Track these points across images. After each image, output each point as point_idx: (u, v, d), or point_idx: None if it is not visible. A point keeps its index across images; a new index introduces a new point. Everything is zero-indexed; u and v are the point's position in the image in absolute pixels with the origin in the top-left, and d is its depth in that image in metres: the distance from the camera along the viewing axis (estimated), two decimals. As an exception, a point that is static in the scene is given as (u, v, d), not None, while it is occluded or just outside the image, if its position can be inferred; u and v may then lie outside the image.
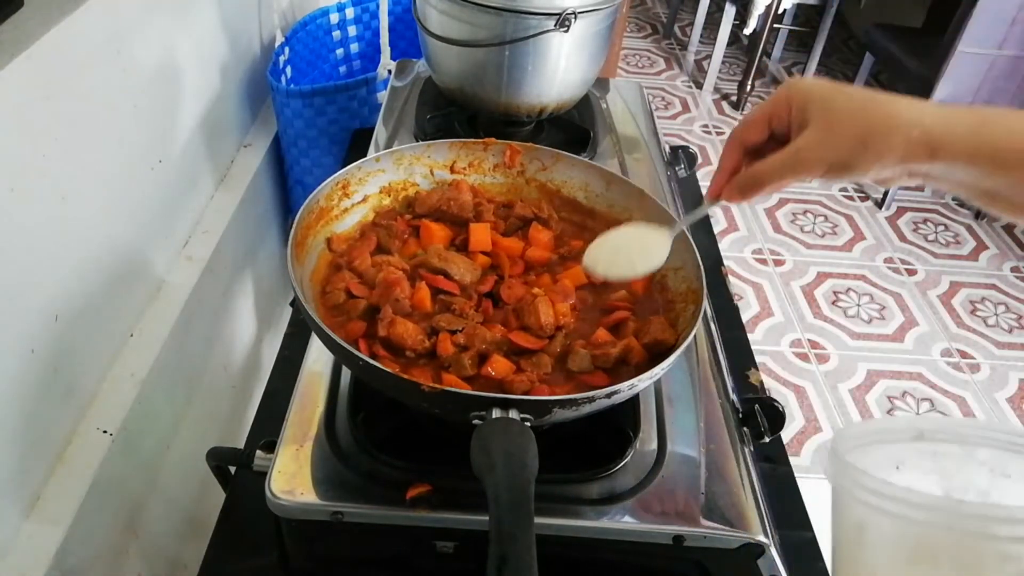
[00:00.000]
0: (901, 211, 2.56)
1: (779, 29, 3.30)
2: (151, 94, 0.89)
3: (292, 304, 0.88)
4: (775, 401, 0.69)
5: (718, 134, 2.87)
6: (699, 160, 2.39)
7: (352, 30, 1.42)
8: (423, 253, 0.71)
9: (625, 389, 0.55)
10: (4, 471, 0.65)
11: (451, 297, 0.66)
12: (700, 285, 0.65)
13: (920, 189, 2.68)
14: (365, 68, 1.47)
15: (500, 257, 0.72)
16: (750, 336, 1.25)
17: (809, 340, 2.03)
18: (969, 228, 2.52)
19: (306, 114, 1.22)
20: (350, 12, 1.39)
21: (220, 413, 1.11)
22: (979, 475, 0.43)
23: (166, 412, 0.91)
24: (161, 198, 0.94)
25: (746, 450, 0.66)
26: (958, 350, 2.04)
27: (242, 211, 1.14)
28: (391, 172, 0.78)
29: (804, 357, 1.98)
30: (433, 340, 0.62)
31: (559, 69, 0.95)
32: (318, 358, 0.70)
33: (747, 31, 2.85)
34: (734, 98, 3.08)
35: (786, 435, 1.75)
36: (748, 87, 2.98)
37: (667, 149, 1.11)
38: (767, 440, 0.68)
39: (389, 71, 1.21)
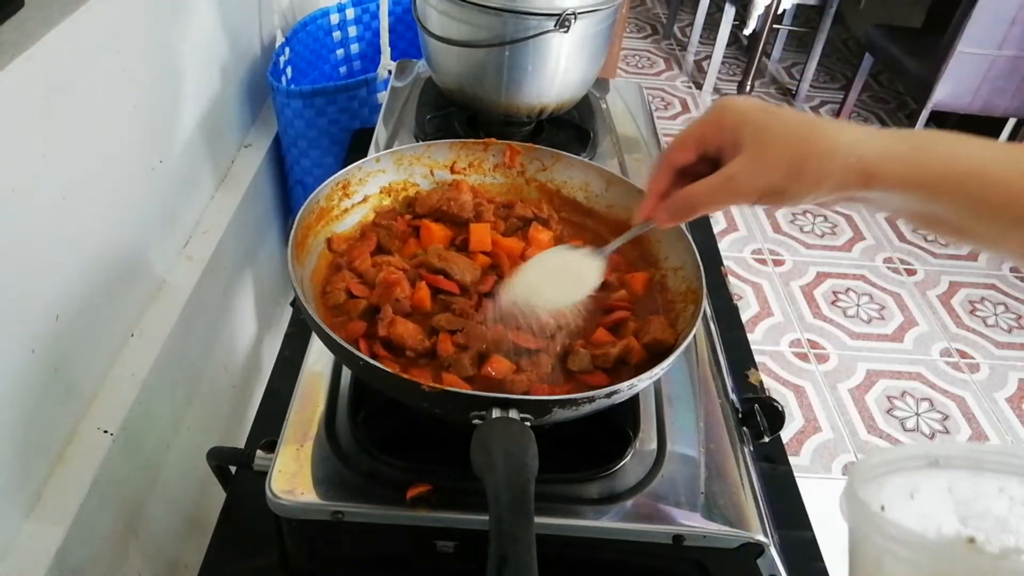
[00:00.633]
0: (901, 211, 2.56)
1: (779, 29, 3.30)
2: (151, 94, 0.90)
3: (292, 304, 0.88)
4: (775, 401, 0.69)
5: (718, 134, 2.87)
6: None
7: (352, 30, 1.42)
8: (423, 253, 0.71)
9: (625, 389, 0.55)
10: (4, 471, 0.65)
11: (451, 297, 0.66)
12: (700, 285, 0.65)
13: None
14: (365, 68, 1.47)
15: (500, 257, 0.72)
16: (750, 336, 1.25)
17: (808, 340, 2.03)
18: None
19: (306, 114, 1.22)
20: (350, 12, 1.39)
21: (220, 413, 1.11)
22: (997, 503, 0.42)
23: (166, 412, 0.91)
24: (161, 198, 0.94)
25: (746, 450, 0.66)
26: (957, 350, 2.04)
27: (242, 211, 1.14)
28: (391, 172, 0.78)
29: (804, 357, 1.98)
30: (433, 340, 0.62)
31: (559, 69, 0.95)
32: (318, 358, 0.70)
33: (747, 31, 2.85)
34: (734, 98, 3.08)
35: (785, 435, 1.75)
36: (748, 87, 2.98)
37: (667, 149, 1.11)
38: (767, 440, 0.68)
39: (389, 71, 1.21)
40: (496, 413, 0.50)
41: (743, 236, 2.39)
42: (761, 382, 0.82)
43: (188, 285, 0.96)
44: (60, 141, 0.70)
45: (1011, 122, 2.50)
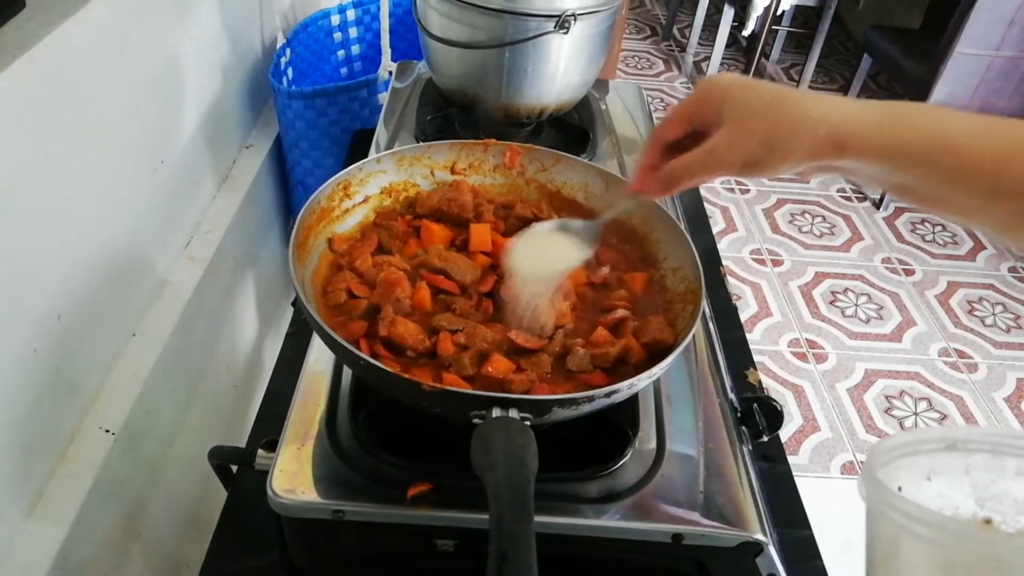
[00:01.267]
0: (899, 211, 2.57)
1: (777, 31, 3.30)
2: (153, 95, 0.90)
3: (293, 304, 0.88)
4: (773, 400, 0.70)
5: (717, 135, 2.87)
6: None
7: (353, 32, 1.42)
8: (424, 253, 0.71)
9: (624, 388, 0.55)
10: (6, 470, 0.66)
11: (451, 297, 0.67)
12: (699, 285, 0.65)
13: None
14: (366, 70, 1.47)
15: (500, 257, 0.72)
16: (748, 336, 1.26)
17: (807, 340, 2.03)
18: (967, 228, 2.52)
19: (307, 115, 1.23)
20: (351, 14, 1.40)
21: (222, 412, 1.11)
22: (1015, 486, 0.42)
23: (168, 411, 0.92)
24: (163, 199, 0.94)
25: (744, 449, 0.67)
26: (956, 350, 2.04)
27: (244, 212, 1.14)
28: (392, 173, 0.78)
29: (802, 357, 1.98)
30: (433, 340, 0.63)
31: (559, 70, 0.95)
32: (319, 357, 0.70)
33: (746, 32, 2.85)
34: (733, 99, 3.08)
35: (784, 434, 1.76)
36: (747, 88, 2.98)
37: (666, 150, 1.11)
38: (765, 439, 0.69)
39: (390, 72, 1.22)
40: (496, 413, 0.51)
41: (742, 236, 2.39)
42: (760, 382, 0.82)
43: (190, 285, 0.96)
44: (62, 142, 0.70)
45: (1009, 123, 2.50)
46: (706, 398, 0.70)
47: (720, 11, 2.94)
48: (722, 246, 2.33)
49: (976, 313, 2.17)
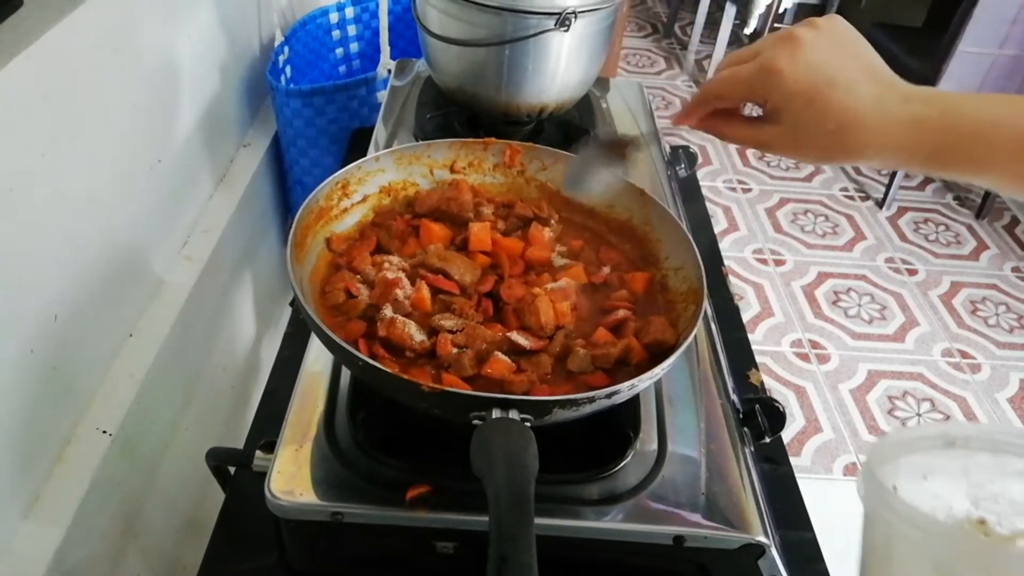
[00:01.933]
0: (902, 211, 2.56)
1: (779, 28, 3.30)
2: (150, 93, 0.89)
3: (292, 304, 0.88)
4: (775, 401, 0.69)
5: (718, 134, 2.86)
6: (699, 160, 2.39)
7: (352, 29, 1.42)
8: (423, 253, 0.71)
9: (625, 389, 0.55)
10: (3, 471, 0.65)
11: (451, 297, 0.66)
12: (700, 285, 0.65)
13: (921, 188, 2.68)
14: (365, 68, 1.47)
15: (500, 257, 0.72)
16: (750, 336, 1.25)
17: (810, 340, 2.03)
18: (970, 228, 2.52)
19: (305, 114, 1.22)
20: (350, 11, 1.39)
21: (219, 413, 1.11)
22: (1014, 486, 0.42)
23: (165, 412, 0.91)
24: (160, 197, 0.94)
25: (746, 450, 0.66)
26: (959, 350, 2.03)
27: (241, 211, 1.14)
28: (391, 172, 0.78)
29: (805, 357, 1.98)
30: (433, 340, 0.62)
31: (559, 69, 0.95)
32: (318, 358, 0.70)
33: (748, 31, 2.85)
34: (734, 98, 3.08)
35: (786, 435, 1.75)
36: (748, 87, 2.98)
37: (667, 149, 1.11)
38: (767, 440, 0.68)
39: (389, 70, 1.21)
40: (496, 413, 0.50)
41: (744, 236, 2.38)
42: (762, 382, 0.82)
43: (187, 285, 0.96)
44: (58, 140, 0.70)
45: (1012, 121, 2.49)
46: (708, 399, 0.70)
47: (722, 9, 2.93)
48: (724, 246, 2.32)
49: (979, 313, 2.17)
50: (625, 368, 0.63)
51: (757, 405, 0.69)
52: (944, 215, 2.56)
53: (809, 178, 2.67)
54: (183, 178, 1.01)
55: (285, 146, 1.29)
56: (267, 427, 0.68)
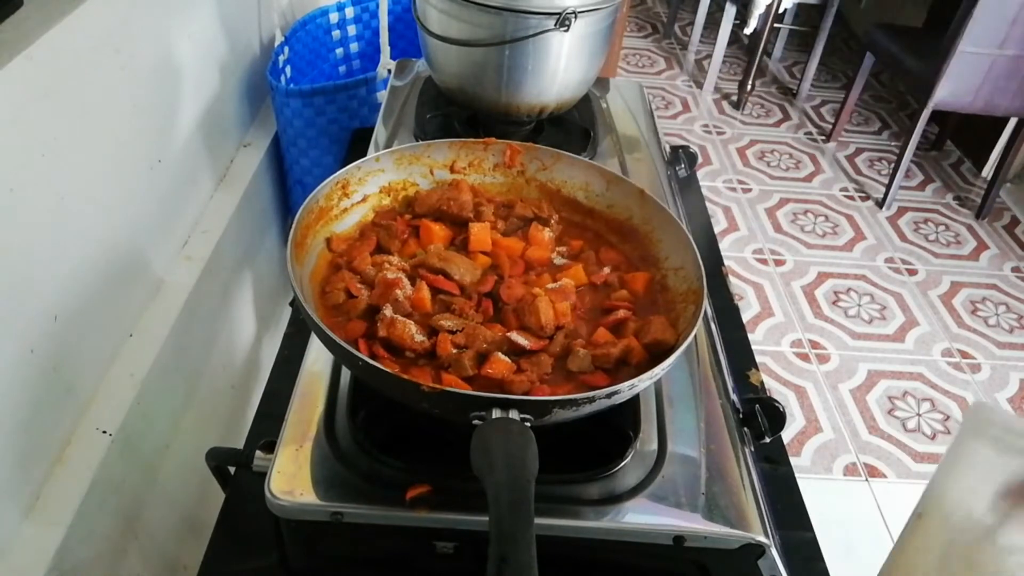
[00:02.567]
0: (902, 211, 2.56)
1: (779, 29, 3.29)
2: (150, 93, 0.89)
3: (292, 304, 0.88)
4: (775, 401, 0.69)
5: (718, 134, 2.86)
6: (699, 160, 2.39)
7: (352, 29, 1.42)
8: (423, 253, 0.71)
9: (625, 389, 0.55)
10: (3, 472, 0.65)
11: (451, 297, 0.66)
12: (700, 285, 0.65)
13: (921, 188, 2.68)
14: (365, 68, 1.47)
15: (500, 257, 0.72)
16: (750, 336, 1.26)
17: (810, 340, 2.03)
18: (970, 228, 2.51)
19: (306, 113, 1.22)
20: (350, 11, 1.39)
21: (219, 413, 1.11)
22: None
23: (165, 412, 0.91)
24: (160, 197, 0.94)
25: (746, 450, 0.66)
26: (959, 350, 2.03)
27: (241, 211, 1.14)
28: (391, 172, 0.78)
29: (805, 357, 1.98)
30: (433, 340, 0.62)
31: (559, 69, 0.95)
32: (318, 358, 0.70)
33: (747, 31, 2.84)
34: (734, 98, 3.08)
35: (786, 435, 1.75)
36: (748, 87, 2.98)
37: (667, 149, 1.11)
38: (767, 440, 0.68)
39: (389, 70, 1.21)
40: (496, 413, 0.50)
41: (744, 236, 2.38)
42: (762, 382, 0.82)
43: (187, 285, 0.96)
44: (59, 140, 0.70)
45: (1012, 122, 2.49)
46: (708, 399, 0.70)
47: (721, 9, 2.93)
48: (724, 246, 2.32)
49: (979, 313, 2.16)
50: (625, 368, 0.63)
51: (757, 405, 0.69)
52: (944, 215, 2.56)
53: (809, 178, 2.67)
54: (183, 178, 1.01)
55: (285, 146, 1.29)
56: (267, 427, 0.68)
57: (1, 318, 0.63)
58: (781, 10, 2.87)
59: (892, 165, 2.63)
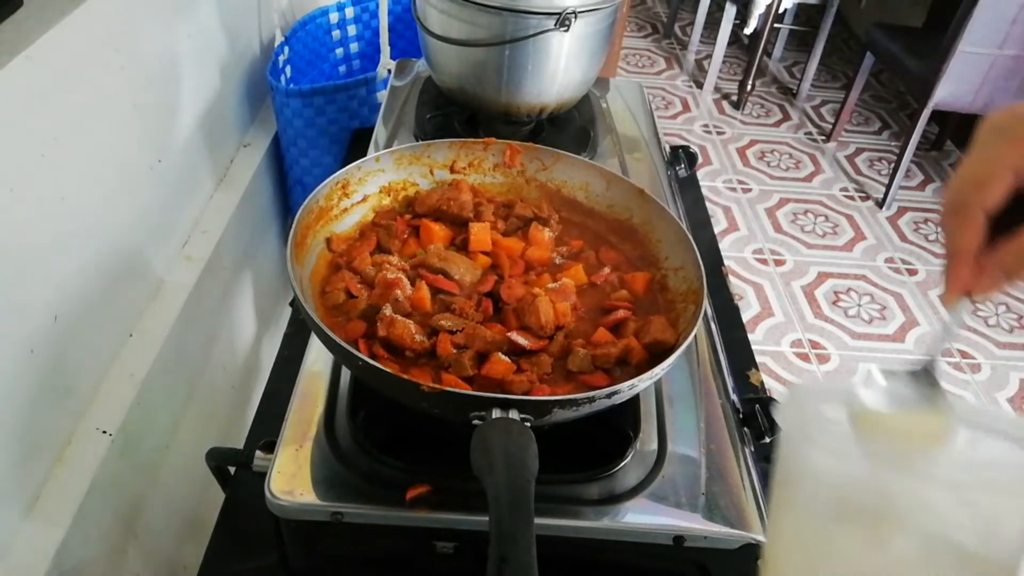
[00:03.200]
0: (902, 211, 2.56)
1: (779, 29, 3.29)
2: (150, 93, 0.89)
3: (292, 304, 0.88)
4: (776, 401, 0.69)
5: (718, 134, 2.86)
6: (699, 160, 2.39)
7: (352, 29, 1.42)
8: (423, 253, 0.71)
9: (625, 389, 0.55)
10: (3, 472, 0.65)
11: (451, 297, 0.66)
12: (700, 285, 0.65)
13: (921, 188, 2.67)
14: (365, 68, 1.47)
15: (500, 257, 0.72)
16: (750, 336, 1.25)
17: (810, 340, 2.03)
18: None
19: (306, 114, 1.22)
20: (350, 12, 1.39)
21: (219, 413, 1.11)
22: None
23: (165, 412, 0.91)
24: (160, 198, 0.94)
25: (747, 450, 0.66)
26: (959, 350, 2.03)
27: (241, 211, 1.13)
28: (391, 172, 0.78)
29: (805, 357, 1.97)
30: (433, 340, 0.62)
31: (559, 69, 0.95)
32: (318, 358, 0.70)
33: (747, 31, 2.84)
34: (734, 98, 3.08)
35: (786, 435, 1.75)
36: (748, 87, 2.98)
37: (667, 149, 1.11)
38: (768, 440, 0.68)
39: (389, 71, 1.21)
40: (496, 413, 0.50)
41: (744, 236, 2.38)
42: (762, 382, 0.82)
43: (187, 285, 0.96)
44: (59, 140, 0.70)
45: (1012, 121, 2.49)
46: (708, 399, 0.70)
47: (722, 9, 2.93)
48: (724, 246, 2.32)
49: (980, 313, 2.16)
50: (625, 368, 0.63)
51: (757, 405, 0.69)
52: (944, 215, 2.56)
53: (809, 178, 2.67)
54: (183, 178, 1.01)
55: (285, 146, 1.29)
56: (267, 427, 0.68)
57: (1, 318, 0.63)
58: (781, 10, 2.86)
59: (892, 165, 2.63)
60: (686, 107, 3.03)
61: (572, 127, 1.08)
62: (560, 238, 0.77)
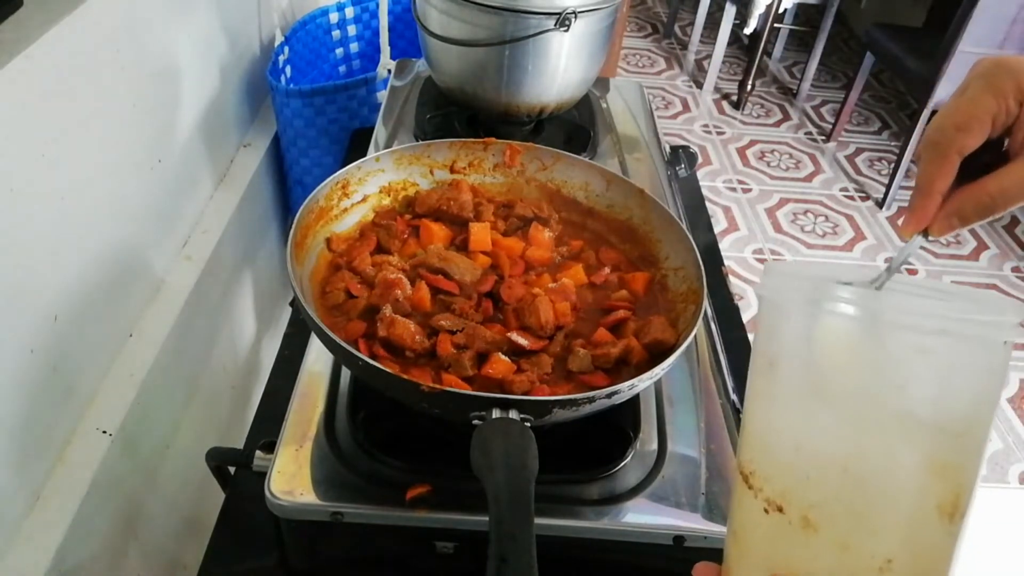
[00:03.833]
0: (902, 211, 2.56)
1: (779, 29, 3.29)
2: (150, 94, 0.89)
3: (292, 304, 0.88)
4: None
5: (718, 134, 2.86)
6: (699, 160, 2.39)
7: (352, 29, 1.42)
8: (423, 253, 0.71)
9: (625, 389, 0.55)
10: (3, 472, 0.65)
11: (451, 297, 0.66)
12: (700, 285, 0.65)
13: (920, 189, 2.68)
14: (365, 68, 1.47)
15: (500, 257, 0.72)
16: (751, 336, 1.25)
17: (809, 340, 2.03)
18: (970, 228, 2.52)
19: (306, 114, 1.22)
20: (350, 11, 1.39)
21: (220, 413, 1.11)
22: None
23: (165, 412, 0.91)
24: (160, 198, 0.94)
25: (747, 450, 0.66)
26: (959, 350, 2.03)
27: (241, 211, 1.13)
28: (391, 172, 0.78)
29: (804, 357, 1.98)
30: (433, 340, 0.62)
31: (559, 69, 0.95)
32: (318, 358, 0.70)
33: (747, 31, 2.84)
34: (734, 98, 3.08)
35: (786, 435, 1.75)
36: (748, 87, 2.98)
37: (667, 149, 1.11)
38: (768, 440, 0.68)
39: (389, 71, 1.21)
40: (496, 413, 0.50)
41: (744, 236, 2.38)
42: (762, 382, 0.82)
43: (187, 285, 0.96)
44: (59, 140, 0.70)
45: (1012, 122, 2.49)
46: (708, 399, 0.70)
47: (721, 9, 2.93)
48: (724, 246, 2.32)
49: (979, 312, 2.16)
50: (625, 368, 0.63)
51: (757, 405, 0.69)
52: (944, 215, 2.57)
53: (809, 178, 2.67)
54: (183, 178, 1.01)
55: (285, 146, 1.29)
56: (267, 427, 0.68)
57: (1, 318, 0.63)
58: (781, 10, 2.87)
59: (892, 165, 2.63)
60: (686, 107, 3.03)
61: (572, 127, 1.08)
62: (560, 238, 0.77)
